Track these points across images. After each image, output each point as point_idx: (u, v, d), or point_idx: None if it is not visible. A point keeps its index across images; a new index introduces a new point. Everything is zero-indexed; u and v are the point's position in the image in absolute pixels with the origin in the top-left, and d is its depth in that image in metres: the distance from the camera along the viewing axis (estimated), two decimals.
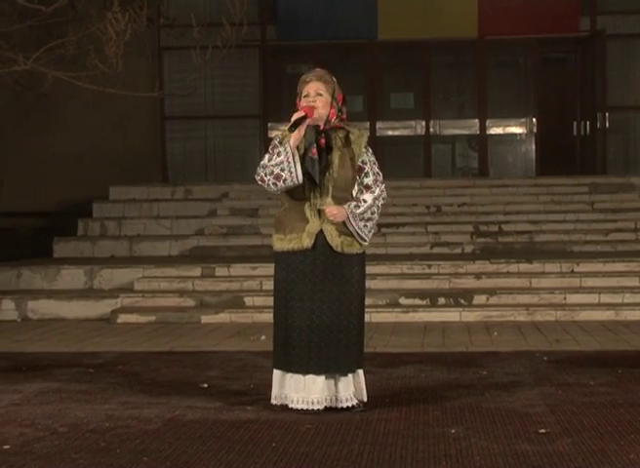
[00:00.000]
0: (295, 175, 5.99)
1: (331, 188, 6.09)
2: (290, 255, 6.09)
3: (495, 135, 18.56)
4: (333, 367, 6.09)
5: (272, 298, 6.29)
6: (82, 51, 12.35)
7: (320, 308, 6.09)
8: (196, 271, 11.95)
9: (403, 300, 10.99)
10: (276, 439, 5.54)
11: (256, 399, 6.62)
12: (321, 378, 6.07)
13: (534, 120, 18.39)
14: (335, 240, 6.08)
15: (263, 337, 9.47)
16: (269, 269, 11.70)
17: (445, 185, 15.72)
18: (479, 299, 10.93)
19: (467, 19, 17.60)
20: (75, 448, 5.41)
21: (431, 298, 10.94)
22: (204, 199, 15.30)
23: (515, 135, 18.81)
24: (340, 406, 6.12)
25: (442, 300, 10.93)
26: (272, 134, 18.54)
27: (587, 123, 18.38)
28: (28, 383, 7.33)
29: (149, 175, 17.48)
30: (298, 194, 6.07)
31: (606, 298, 10.84)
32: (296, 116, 6.03)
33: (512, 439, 5.47)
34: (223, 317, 10.76)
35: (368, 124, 17.62)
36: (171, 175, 18.27)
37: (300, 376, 6.09)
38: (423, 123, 18.10)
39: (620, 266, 11.64)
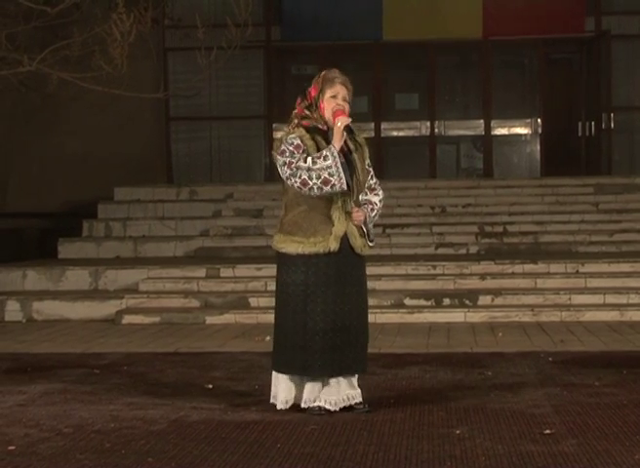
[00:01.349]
0: (343, 181, 5.96)
1: (356, 190, 6.12)
2: (311, 258, 6.04)
3: (499, 135, 18.55)
4: (353, 367, 6.12)
5: (279, 301, 6.24)
6: (87, 52, 12.35)
7: (342, 310, 6.10)
8: (201, 272, 11.96)
9: (408, 301, 10.99)
10: (281, 440, 5.54)
11: (260, 400, 6.61)
12: (343, 380, 6.10)
13: (539, 121, 18.37)
14: (358, 242, 6.11)
15: (268, 338, 9.44)
16: (274, 270, 11.76)
17: (450, 186, 15.71)
18: (484, 300, 10.92)
19: (472, 19, 17.60)
20: (80, 448, 5.42)
21: (436, 299, 10.94)
22: (209, 200, 15.30)
23: (520, 135, 18.80)
24: (350, 404, 6.13)
25: (447, 301, 10.93)
26: (277, 134, 18.58)
27: (592, 123, 18.36)
28: (33, 384, 7.34)
29: (154, 176, 17.49)
30: (322, 196, 6.03)
31: (611, 299, 10.83)
32: (345, 121, 6.03)
33: (517, 439, 5.47)
34: (228, 318, 10.76)
35: (373, 124, 17.62)
36: (176, 175, 18.27)
37: (319, 380, 6.09)
38: (428, 123, 18.09)
39: (625, 267, 11.63)
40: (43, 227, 16.85)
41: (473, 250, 13.27)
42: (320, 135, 6.13)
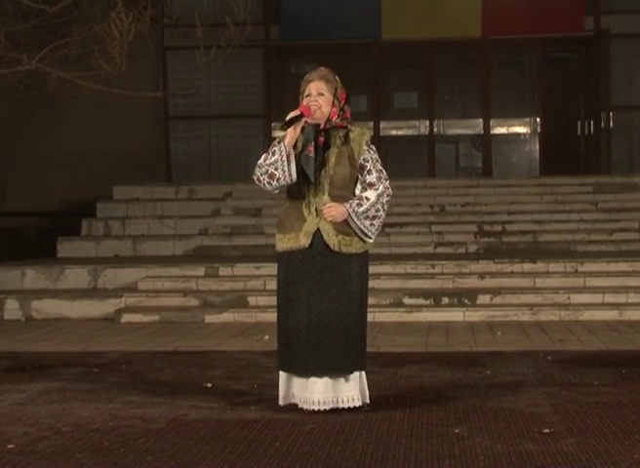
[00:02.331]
0: (287, 173, 5.99)
1: (327, 186, 6.05)
2: (289, 255, 6.08)
3: (498, 134, 18.55)
4: (330, 368, 6.04)
5: (275, 299, 6.29)
6: (86, 51, 12.36)
7: (318, 308, 6.05)
8: (200, 271, 11.96)
9: (407, 300, 10.99)
10: (280, 438, 5.54)
11: (259, 399, 6.62)
12: (322, 380, 6.06)
13: (537, 120, 18.38)
14: (331, 239, 6.05)
15: (267, 337, 9.47)
16: (273, 269, 11.71)
17: (449, 185, 15.72)
18: (483, 299, 10.93)
19: (471, 18, 17.60)
20: (79, 447, 5.42)
21: (435, 298, 10.94)
22: (208, 199, 15.31)
23: (519, 134, 18.81)
24: (342, 406, 6.10)
25: (446, 300, 10.93)
26: (276, 133, 18.60)
27: (591, 123, 18.37)
28: (32, 383, 7.34)
29: (153, 175, 17.49)
30: (296, 193, 6.08)
31: (610, 298, 10.83)
32: (291, 114, 6.06)
33: (516, 439, 5.47)
34: (227, 317, 10.76)
35: (372, 123, 17.61)
36: (174, 174, 18.27)
37: (301, 378, 6.11)
38: (427, 123, 18.10)
39: (623, 266, 11.63)
40: (42, 226, 16.85)
41: (472, 249, 13.28)
42: (311, 131, 6.14)
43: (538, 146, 18.51)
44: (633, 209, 14.31)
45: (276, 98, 18.59)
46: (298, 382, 6.14)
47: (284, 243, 6.09)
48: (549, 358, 8.14)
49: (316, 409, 6.05)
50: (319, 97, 6.16)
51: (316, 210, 6.06)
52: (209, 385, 7.12)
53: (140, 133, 17.90)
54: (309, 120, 6.09)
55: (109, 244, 14.05)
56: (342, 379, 6.11)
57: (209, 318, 10.76)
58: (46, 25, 12.92)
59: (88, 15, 13.03)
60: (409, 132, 18.40)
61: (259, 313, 10.77)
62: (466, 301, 10.90)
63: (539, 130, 18.39)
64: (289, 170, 5.99)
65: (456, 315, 10.58)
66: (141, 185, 15.90)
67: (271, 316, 10.55)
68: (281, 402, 6.23)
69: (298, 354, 6.06)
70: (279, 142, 6.09)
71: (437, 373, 7.49)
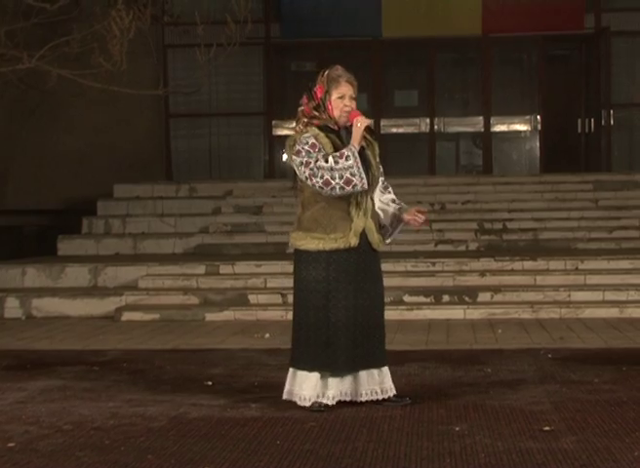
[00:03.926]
0: (364, 181, 5.99)
1: (373, 187, 6.17)
2: (331, 254, 6.04)
3: (499, 132, 18.55)
4: (372, 362, 6.17)
5: (297, 298, 6.22)
6: (86, 49, 12.34)
7: (362, 305, 6.13)
8: (200, 269, 11.96)
9: (407, 298, 10.99)
10: (280, 436, 5.54)
11: (260, 397, 6.62)
12: (366, 372, 6.16)
13: (538, 117, 18.38)
14: (375, 237, 6.16)
15: (267, 335, 9.48)
16: (274, 267, 11.84)
17: (449, 183, 15.71)
18: (483, 297, 10.93)
19: (472, 16, 17.59)
20: (80, 445, 5.42)
21: (435, 296, 10.94)
22: (208, 197, 15.31)
23: (519, 132, 18.81)
24: (381, 398, 6.18)
25: (446, 298, 10.93)
26: (277, 131, 18.62)
27: (592, 120, 18.37)
28: (33, 381, 7.34)
29: (154, 173, 17.48)
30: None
31: (610, 296, 10.83)
32: (366, 122, 6.08)
33: (517, 436, 5.47)
34: (228, 315, 10.76)
35: (372, 121, 17.59)
36: (175, 172, 18.27)
37: (340, 376, 6.11)
38: (428, 120, 18.10)
39: (624, 264, 11.63)
40: (42, 224, 16.85)
41: (473, 246, 13.27)
42: (333, 133, 6.15)
43: (538, 144, 18.51)
44: (634, 206, 14.30)
45: (277, 96, 18.59)
46: (334, 381, 6.12)
47: (327, 243, 6.04)
48: (550, 355, 8.14)
49: (364, 399, 6.14)
50: (352, 101, 6.19)
51: (363, 209, 6.08)
52: (209, 383, 7.13)
53: (140, 131, 17.89)
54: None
55: (110, 242, 14.04)
56: (377, 372, 6.19)
57: (209, 316, 10.76)
58: (46, 23, 12.91)
59: (88, 13, 13.03)
60: (409, 129, 18.40)
61: (259, 311, 10.77)
62: (467, 299, 10.90)
63: (539, 127, 18.39)
64: (365, 177, 5.99)
65: (456, 313, 10.58)
66: (142, 183, 15.89)
67: (272, 314, 10.64)
68: (307, 402, 6.14)
69: (344, 352, 6.06)
70: (314, 143, 6.05)
71: (438, 371, 7.50)
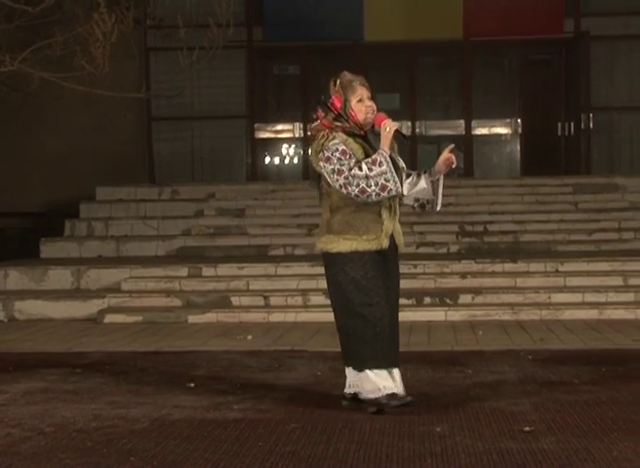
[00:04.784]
0: (398, 185, 6.00)
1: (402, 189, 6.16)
2: (364, 255, 6.05)
3: (480, 135, 18.62)
4: (399, 359, 6.24)
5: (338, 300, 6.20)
6: (69, 51, 12.29)
7: (392, 304, 6.20)
8: (183, 271, 11.95)
9: None
10: (262, 438, 5.54)
11: (242, 398, 6.62)
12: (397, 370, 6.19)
13: (518, 121, 18.46)
14: (401, 240, 6.24)
15: (250, 337, 9.47)
16: (256, 269, 11.84)
17: None
18: (464, 299, 10.95)
19: (453, 20, 17.64)
20: (62, 448, 5.41)
21: (417, 298, 10.95)
22: (191, 199, 15.29)
23: (500, 135, 18.88)
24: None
25: (428, 300, 10.94)
26: (259, 134, 18.63)
27: (572, 124, 18.45)
28: (15, 383, 7.32)
29: (136, 176, 17.46)
30: None
31: (590, 297, 10.87)
32: (395, 126, 6.08)
33: (497, 437, 5.48)
34: (210, 317, 10.75)
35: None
36: (158, 175, 18.26)
37: (390, 370, 6.12)
38: (409, 123, 18.13)
39: (603, 266, 11.67)
40: (25, 227, 16.81)
41: (454, 249, 13.30)
42: (360, 138, 6.13)
43: (519, 147, 18.59)
44: (613, 209, 14.36)
45: (259, 99, 18.62)
46: (378, 376, 6.10)
47: (360, 244, 6.04)
48: (530, 357, 8.16)
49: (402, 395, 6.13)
50: (371, 101, 6.19)
51: (393, 212, 6.15)
52: (192, 385, 7.12)
53: (123, 133, 17.87)
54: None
55: (92, 244, 14.01)
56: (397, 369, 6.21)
57: (192, 318, 10.75)
58: (28, 26, 12.86)
59: (70, 16, 12.97)
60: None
61: (242, 313, 10.77)
62: (448, 301, 10.92)
63: (519, 131, 18.46)
64: (399, 182, 6.00)
65: (437, 314, 10.60)
66: (125, 186, 15.87)
67: (254, 316, 10.64)
68: (374, 395, 6.11)
69: (391, 346, 6.11)
70: (343, 150, 6.02)
71: (419, 373, 7.50)
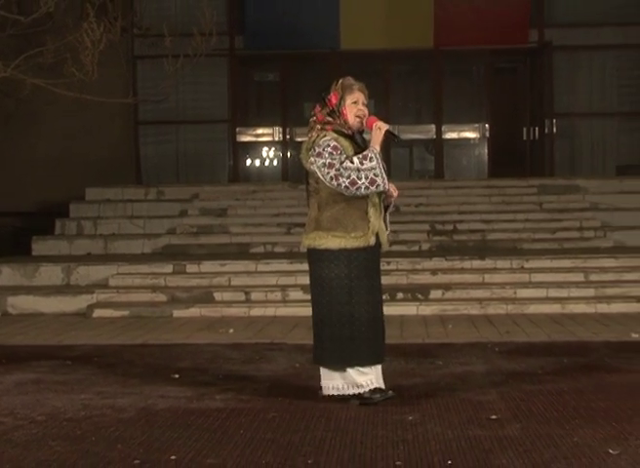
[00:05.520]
0: (385, 181, 6.01)
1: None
2: (351, 253, 5.99)
3: (450, 139, 18.65)
4: (383, 356, 6.20)
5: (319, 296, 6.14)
6: (59, 59, 12.25)
7: (378, 301, 6.15)
8: (168, 268, 11.92)
9: None
10: (243, 426, 5.54)
11: (224, 389, 6.61)
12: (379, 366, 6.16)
13: (486, 126, 18.51)
14: (385, 237, 6.22)
15: (232, 331, 9.47)
16: (237, 266, 11.82)
17: (403, 187, 15.55)
18: (435, 294, 10.97)
19: (424, 30, 17.65)
20: (53, 435, 5.39)
21: (390, 293, 10.94)
22: (175, 200, 15.24)
23: (469, 139, 18.92)
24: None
25: (400, 295, 10.95)
26: (241, 138, 18.62)
27: (536, 128, 18.51)
28: (8, 375, 7.29)
29: (124, 177, 17.39)
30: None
31: (553, 293, 10.91)
32: (386, 126, 6.13)
33: (465, 425, 5.50)
34: (194, 311, 10.73)
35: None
36: (144, 176, 18.21)
37: (371, 366, 6.07)
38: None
39: (566, 263, 11.71)
40: (17, 226, 16.72)
41: (425, 247, 13.31)
42: (347, 138, 6.11)
43: (486, 150, 18.64)
44: (574, 209, 14.41)
45: (240, 105, 18.60)
46: (357, 372, 6.06)
47: (349, 241, 5.99)
48: (497, 349, 8.18)
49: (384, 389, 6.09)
50: (365, 107, 6.20)
51: (379, 211, 6.13)
52: (176, 376, 7.11)
53: (111, 137, 17.81)
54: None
55: (82, 243, 13.95)
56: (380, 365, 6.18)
57: (176, 313, 10.72)
58: (21, 35, 12.80)
59: (61, 25, 12.92)
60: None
61: (224, 308, 10.75)
62: (420, 296, 10.94)
63: (487, 135, 18.51)
64: (386, 177, 6.00)
65: (409, 309, 10.61)
66: (113, 187, 15.80)
67: (236, 311, 10.63)
68: (366, 388, 6.10)
69: (368, 345, 6.02)
70: (336, 146, 5.99)
71: (392, 364, 7.51)
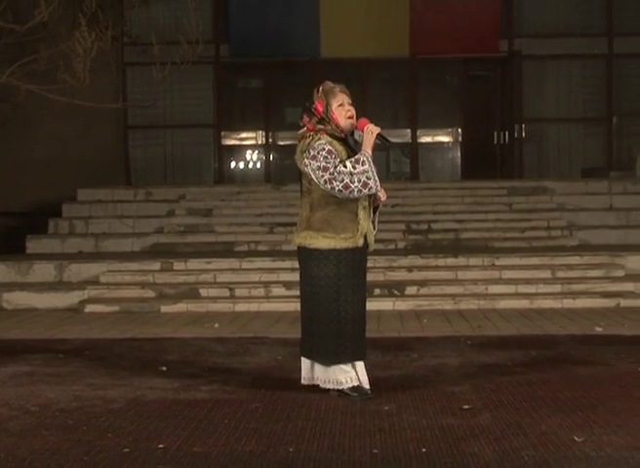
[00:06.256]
0: (377, 183, 5.92)
1: None
2: (340, 253, 5.92)
3: (425, 143, 18.70)
4: (366, 352, 6.15)
5: (307, 293, 6.08)
6: (53, 66, 12.21)
7: (363, 299, 6.10)
8: (156, 265, 11.88)
9: None
10: (228, 416, 5.53)
11: (209, 380, 6.60)
12: (361, 362, 6.10)
13: (459, 130, 18.57)
14: (372, 238, 6.12)
15: (217, 325, 9.45)
16: (222, 263, 11.81)
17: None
18: (410, 290, 10.98)
19: (400, 39, 17.69)
20: (46, 425, 5.37)
21: (368, 289, 10.86)
22: (163, 200, 15.20)
23: (443, 143, 18.97)
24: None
25: (377, 291, 10.96)
26: (226, 141, 18.60)
27: (506, 133, 18.58)
28: (3, 367, 7.25)
29: (114, 179, 17.35)
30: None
31: (522, 289, 10.94)
32: (377, 129, 6.00)
33: (439, 414, 5.51)
34: (181, 307, 10.71)
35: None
36: (133, 178, 18.17)
37: (354, 363, 6.03)
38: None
39: (534, 260, 11.75)
40: (12, 225, 16.63)
41: (401, 245, 13.32)
42: (341, 141, 6.03)
43: (459, 154, 18.70)
44: (542, 209, 14.45)
45: (225, 110, 18.58)
46: (340, 368, 5.99)
47: (338, 242, 5.91)
48: (469, 342, 8.20)
49: (368, 388, 6.03)
50: (351, 106, 6.08)
51: (368, 213, 6.04)
52: (164, 369, 7.09)
53: (102, 140, 17.75)
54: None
55: (74, 241, 13.89)
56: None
57: (164, 308, 10.70)
58: (16, 43, 12.75)
59: (54, 34, 12.87)
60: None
61: (209, 303, 10.73)
62: (396, 292, 10.94)
63: (460, 139, 18.58)
64: (378, 180, 5.92)
65: (386, 304, 10.62)
66: (103, 188, 15.74)
67: (221, 306, 10.61)
68: (304, 382, 6.11)
69: (352, 343, 5.97)
70: (330, 150, 5.90)
71: (369, 357, 7.44)
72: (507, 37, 17.95)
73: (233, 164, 19.12)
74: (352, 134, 6.12)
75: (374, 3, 17.74)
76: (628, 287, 10.95)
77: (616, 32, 18.01)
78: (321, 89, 6.11)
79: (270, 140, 18.86)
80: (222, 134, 18.49)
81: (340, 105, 6.04)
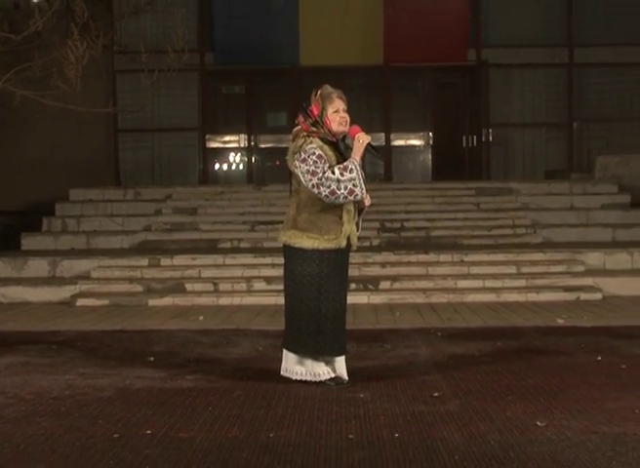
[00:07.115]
0: (363, 191, 5.85)
1: None
2: (323, 253, 5.86)
3: (398, 146, 18.73)
4: (346, 347, 6.10)
5: (291, 289, 6.03)
6: (46, 73, 12.13)
7: (344, 298, 6.05)
8: (144, 261, 11.85)
9: None
10: (212, 404, 5.53)
11: (195, 370, 6.59)
12: (342, 357, 6.05)
13: (430, 134, 18.62)
14: (355, 240, 6.03)
15: (201, 318, 9.43)
16: (207, 260, 11.79)
17: None
18: (384, 285, 10.99)
19: (375, 48, 17.72)
20: (40, 412, 5.35)
21: None
22: (151, 200, 15.15)
23: (415, 146, 19.00)
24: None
25: (353, 286, 10.93)
26: (210, 144, 18.58)
27: (474, 137, 18.63)
28: None
29: (104, 179, 17.29)
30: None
31: (489, 283, 10.96)
32: (368, 139, 5.93)
33: (411, 401, 5.52)
34: (167, 300, 10.68)
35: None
36: (123, 179, 18.12)
37: (333, 358, 5.99)
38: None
39: (500, 257, 11.78)
40: (8, 223, 16.53)
41: (375, 242, 13.32)
42: (332, 146, 5.97)
43: (430, 156, 18.74)
44: (508, 209, 14.49)
45: (210, 114, 18.56)
46: (318, 363, 5.99)
47: (322, 243, 5.85)
48: (439, 334, 8.22)
49: (347, 379, 5.99)
50: (346, 113, 6.03)
51: (352, 216, 5.96)
52: (151, 359, 7.08)
53: (93, 143, 17.68)
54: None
55: (66, 238, 13.82)
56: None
57: (152, 302, 10.66)
58: (12, 51, 12.67)
59: (48, 42, 12.79)
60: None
61: (194, 297, 10.71)
62: (370, 287, 10.95)
63: (431, 142, 18.62)
64: (364, 188, 5.84)
65: (361, 298, 10.61)
66: (94, 188, 15.67)
67: (205, 300, 10.59)
68: (283, 373, 6.07)
69: (332, 339, 5.93)
70: (320, 155, 5.83)
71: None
72: (475, 47, 18.02)
73: (217, 165, 19.09)
74: (344, 138, 6.05)
75: (350, 14, 17.76)
76: (588, 281, 11.01)
77: (576, 43, 18.13)
78: (319, 92, 6.03)
79: (252, 143, 18.85)
80: (207, 137, 18.46)
81: (336, 112, 5.97)
